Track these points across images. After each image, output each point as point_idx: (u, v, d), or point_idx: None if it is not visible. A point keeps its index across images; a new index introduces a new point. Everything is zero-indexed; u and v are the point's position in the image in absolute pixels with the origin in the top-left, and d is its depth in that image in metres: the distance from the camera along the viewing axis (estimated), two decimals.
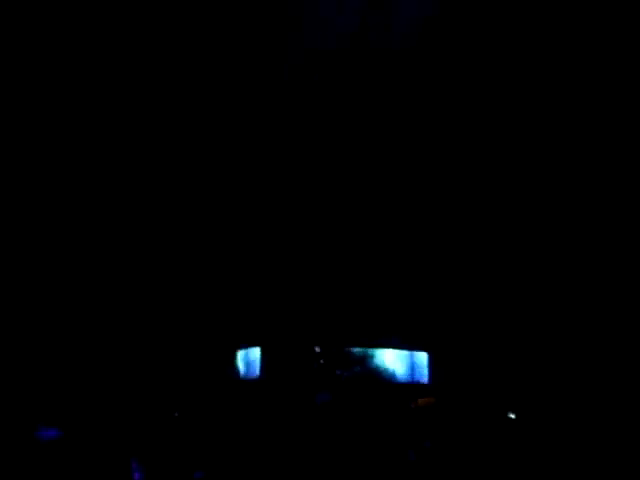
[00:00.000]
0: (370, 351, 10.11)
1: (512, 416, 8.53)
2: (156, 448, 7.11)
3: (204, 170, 9.28)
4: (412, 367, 10.12)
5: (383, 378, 10.06)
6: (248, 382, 9.72)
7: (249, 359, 10.10)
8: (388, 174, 9.56)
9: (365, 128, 9.09)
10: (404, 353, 10.14)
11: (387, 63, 8.31)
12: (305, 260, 9.96)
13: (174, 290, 9.51)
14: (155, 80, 8.38)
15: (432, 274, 10.01)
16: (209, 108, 8.74)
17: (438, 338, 9.93)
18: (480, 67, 8.41)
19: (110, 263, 9.22)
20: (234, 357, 10.07)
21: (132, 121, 8.70)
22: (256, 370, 9.95)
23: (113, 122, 8.68)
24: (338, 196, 9.75)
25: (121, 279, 9.31)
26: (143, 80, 8.36)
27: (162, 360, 9.13)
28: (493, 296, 9.86)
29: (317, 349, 10.10)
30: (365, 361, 10.09)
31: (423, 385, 9.85)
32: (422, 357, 10.18)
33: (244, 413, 8.26)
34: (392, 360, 10.15)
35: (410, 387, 9.80)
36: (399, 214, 9.83)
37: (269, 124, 8.95)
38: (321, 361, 10.07)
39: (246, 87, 8.57)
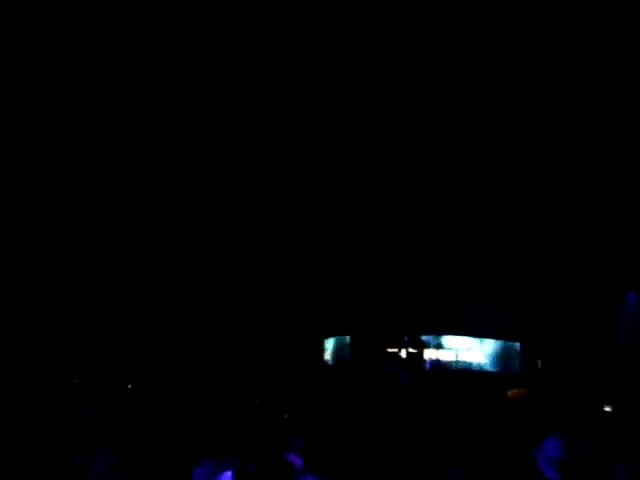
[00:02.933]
0: (462, 340, 10.01)
1: (608, 409, 8.24)
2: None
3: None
4: (503, 357, 9.97)
5: (473, 367, 9.93)
6: (338, 367, 9.77)
7: (339, 347, 10.18)
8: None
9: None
10: (496, 343, 9.99)
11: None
12: (396, 254, 9.97)
13: (275, 286, 9.73)
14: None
15: (525, 265, 9.83)
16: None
17: (532, 328, 9.73)
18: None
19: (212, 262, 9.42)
20: (325, 345, 10.15)
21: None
22: (346, 356, 10.01)
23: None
24: (428, 195, 9.74)
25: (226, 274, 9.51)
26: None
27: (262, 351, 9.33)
28: (587, 286, 9.60)
29: (406, 338, 10.05)
30: (455, 350, 9.99)
31: (514, 376, 9.67)
32: (514, 347, 10.01)
33: (335, 393, 8.33)
34: (483, 350, 10.02)
35: (500, 377, 9.64)
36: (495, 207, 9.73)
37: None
38: (410, 349, 10.02)
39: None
